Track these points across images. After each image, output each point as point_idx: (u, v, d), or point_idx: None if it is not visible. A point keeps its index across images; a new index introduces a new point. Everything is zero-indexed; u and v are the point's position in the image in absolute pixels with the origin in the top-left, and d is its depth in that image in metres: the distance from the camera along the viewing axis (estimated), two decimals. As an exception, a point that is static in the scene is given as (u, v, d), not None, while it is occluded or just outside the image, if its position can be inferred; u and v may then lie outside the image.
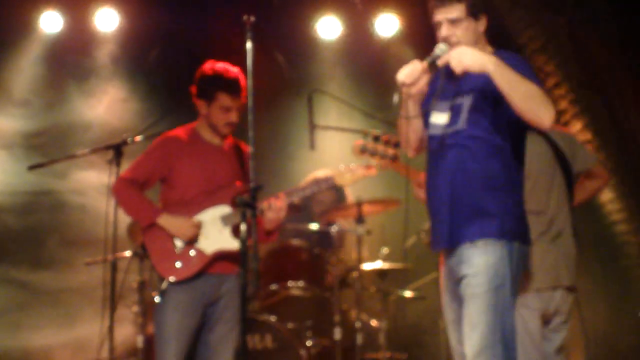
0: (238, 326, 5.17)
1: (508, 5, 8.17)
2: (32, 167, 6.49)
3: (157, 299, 5.19)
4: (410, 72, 4.11)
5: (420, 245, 7.04)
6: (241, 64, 4.52)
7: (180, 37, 7.91)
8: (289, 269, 6.99)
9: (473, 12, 4.16)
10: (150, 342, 6.12)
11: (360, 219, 6.97)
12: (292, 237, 7.15)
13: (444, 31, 4.17)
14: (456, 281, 4.18)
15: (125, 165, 5.57)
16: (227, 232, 5.27)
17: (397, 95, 4.12)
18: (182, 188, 5.29)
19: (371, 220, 7.25)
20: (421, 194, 4.72)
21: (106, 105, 8.23)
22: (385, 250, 7.36)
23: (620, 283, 8.23)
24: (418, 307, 7.72)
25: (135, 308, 6.55)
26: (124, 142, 5.97)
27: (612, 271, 8.26)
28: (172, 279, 5.15)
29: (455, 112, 4.19)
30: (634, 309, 8.03)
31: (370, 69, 8.46)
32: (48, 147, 7.89)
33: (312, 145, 6.52)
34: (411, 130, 4.33)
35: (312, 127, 6.52)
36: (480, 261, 4.05)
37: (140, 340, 6.38)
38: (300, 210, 7.35)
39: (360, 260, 6.95)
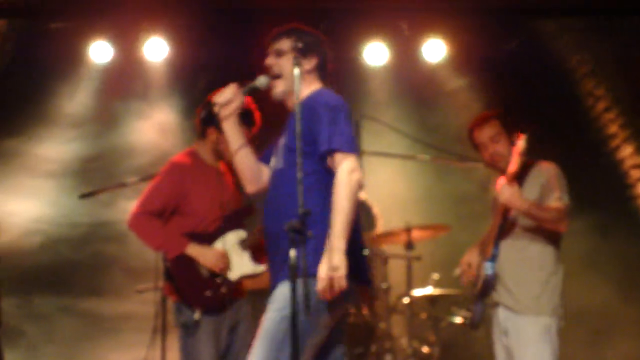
0: None
1: (556, 30, 8.13)
2: (83, 196, 6.52)
3: (183, 330, 5.14)
4: (225, 94, 4.29)
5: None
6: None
7: (229, 66, 7.93)
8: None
9: (299, 49, 4.26)
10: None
11: (409, 245, 6.99)
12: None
13: (267, 60, 4.34)
14: None
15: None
16: (246, 256, 5.24)
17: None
18: (200, 215, 5.22)
19: (421, 245, 7.22)
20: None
21: (157, 132, 8.29)
22: (435, 276, 7.32)
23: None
24: (470, 333, 7.63)
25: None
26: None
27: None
28: (202, 308, 5.08)
29: (279, 153, 4.24)
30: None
31: (417, 94, 8.45)
32: (98, 174, 7.95)
33: (360, 171, 6.50)
34: (243, 164, 4.31)
35: (360, 153, 6.51)
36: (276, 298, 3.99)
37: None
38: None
39: (410, 287, 6.92)
